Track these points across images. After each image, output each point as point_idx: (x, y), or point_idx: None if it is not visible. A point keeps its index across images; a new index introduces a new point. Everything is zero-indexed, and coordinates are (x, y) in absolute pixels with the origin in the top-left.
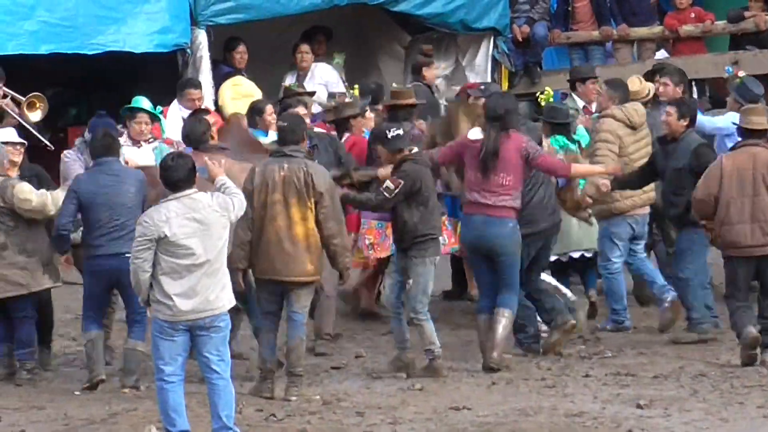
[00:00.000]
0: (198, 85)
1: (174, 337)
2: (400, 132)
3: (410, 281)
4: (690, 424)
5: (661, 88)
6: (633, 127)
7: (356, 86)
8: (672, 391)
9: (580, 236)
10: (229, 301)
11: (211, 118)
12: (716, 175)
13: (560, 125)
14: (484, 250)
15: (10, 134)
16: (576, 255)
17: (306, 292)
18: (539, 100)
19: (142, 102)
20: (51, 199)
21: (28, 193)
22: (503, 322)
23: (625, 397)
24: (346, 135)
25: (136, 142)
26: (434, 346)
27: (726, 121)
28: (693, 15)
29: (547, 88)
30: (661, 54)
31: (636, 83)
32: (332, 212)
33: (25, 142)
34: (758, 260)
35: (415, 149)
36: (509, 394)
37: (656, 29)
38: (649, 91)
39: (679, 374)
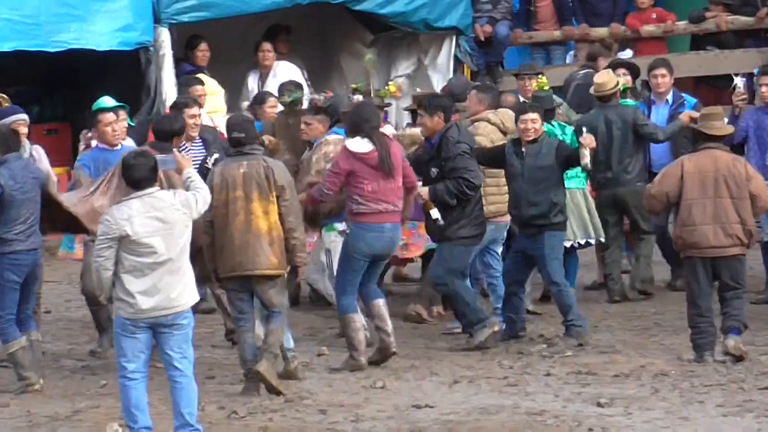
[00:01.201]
0: (202, 82)
1: (136, 334)
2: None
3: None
4: (650, 422)
5: (660, 80)
6: (505, 132)
7: (391, 83)
8: (632, 390)
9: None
10: (192, 298)
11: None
12: (675, 174)
13: (547, 111)
14: (385, 253)
15: None
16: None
17: (274, 290)
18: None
19: (106, 101)
20: None
21: None
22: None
23: (586, 396)
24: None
25: (112, 146)
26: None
27: None
28: (654, 15)
29: (541, 76)
30: (627, 54)
31: (603, 76)
32: (293, 206)
33: None
34: (717, 261)
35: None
36: (471, 393)
37: (618, 28)
38: (617, 83)
39: (640, 373)
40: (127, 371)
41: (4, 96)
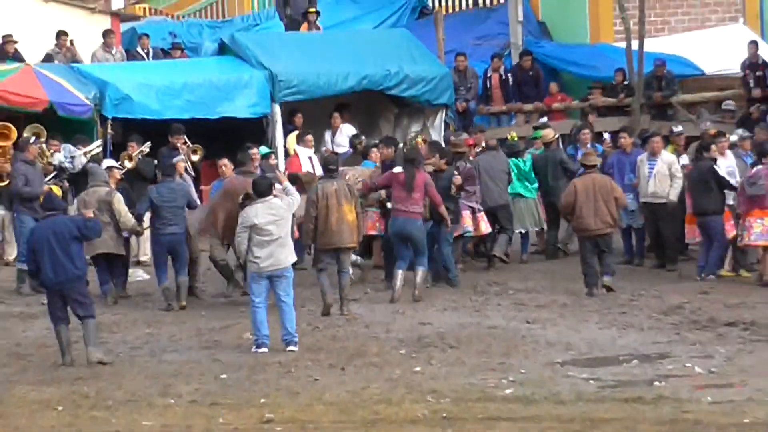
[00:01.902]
0: (310, 133)
1: (260, 281)
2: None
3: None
4: (558, 333)
5: (582, 136)
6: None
7: (419, 137)
8: (547, 314)
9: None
10: (291, 259)
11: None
12: (572, 190)
13: (513, 153)
14: (403, 236)
15: (110, 162)
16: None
17: (347, 256)
18: (509, 139)
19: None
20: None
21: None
22: (419, 274)
23: (521, 318)
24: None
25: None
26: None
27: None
28: (560, 97)
29: (512, 132)
30: (544, 119)
31: (550, 132)
32: (359, 207)
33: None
34: (597, 238)
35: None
36: (454, 316)
37: (539, 105)
38: (554, 135)
39: (552, 304)
40: (255, 302)
41: (200, 146)
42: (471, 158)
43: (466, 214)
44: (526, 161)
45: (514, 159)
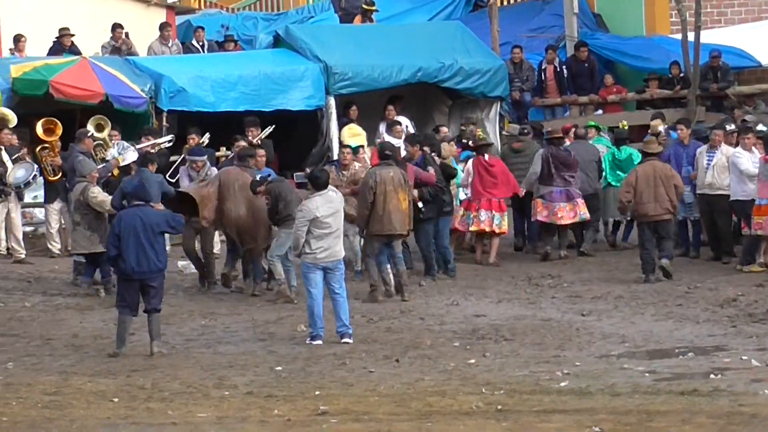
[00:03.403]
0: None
1: (315, 272)
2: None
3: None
4: (613, 325)
5: (680, 132)
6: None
7: (479, 131)
8: (602, 306)
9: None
10: (344, 253)
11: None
12: (633, 177)
13: (619, 141)
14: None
15: (133, 155)
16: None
17: (399, 243)
18: (621, 126)
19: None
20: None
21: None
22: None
23: (576, 310)
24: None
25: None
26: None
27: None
28: (615, 89)
29: (623, 121)
30: (599, 112)
31: (658, 123)
32: (411, 196)
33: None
34: (656, 224)
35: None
36: (508, 308)
37: (594, 97)
38: (661, 127)
39: (607, 296)
40: (312, 294)
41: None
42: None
43: (560, 204)
44: (623, 151)
45: (614, 148)
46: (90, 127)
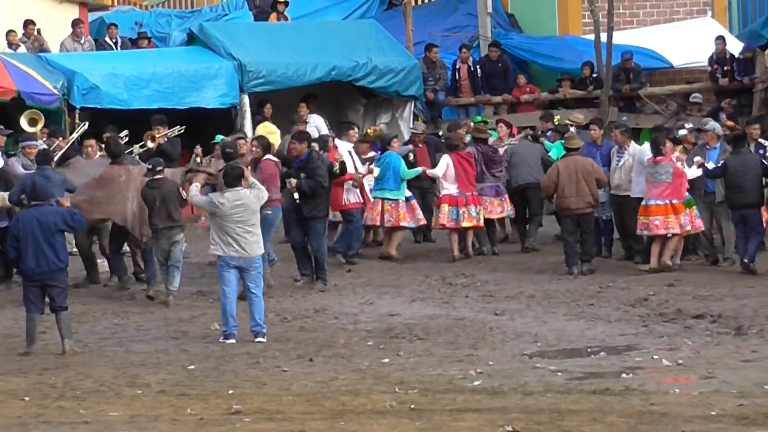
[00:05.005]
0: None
1: (229, 270)
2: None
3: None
4: (526, 324)
5: (593, 133)
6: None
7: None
8: (515, 305)
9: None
10: (259, 251)
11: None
12: (555, 171)
13: (562, 135)
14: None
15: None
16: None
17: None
18: (555, 123)
19: (220, 138)
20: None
21: None
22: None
23: (489, 309)
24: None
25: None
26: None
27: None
28: (528, 89)
29: (557, 116)
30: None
31: (503, 128)
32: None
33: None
34: (578, 217)
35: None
36: (422, 307)
37: (507, 97)
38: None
39: (519, 295)
40: (225, 292)
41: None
42: (513, 143)
43: (488, 199)
44: (554, 146)
45: (549, 143)
46: (23, 121)
